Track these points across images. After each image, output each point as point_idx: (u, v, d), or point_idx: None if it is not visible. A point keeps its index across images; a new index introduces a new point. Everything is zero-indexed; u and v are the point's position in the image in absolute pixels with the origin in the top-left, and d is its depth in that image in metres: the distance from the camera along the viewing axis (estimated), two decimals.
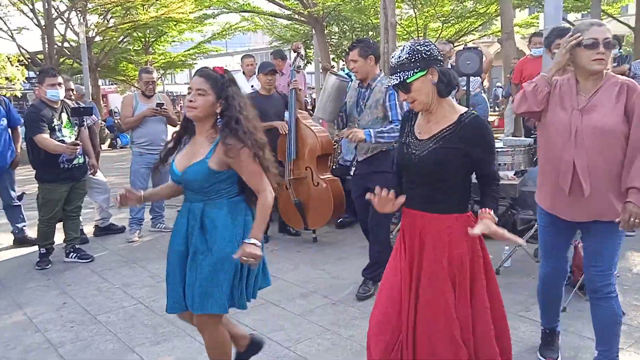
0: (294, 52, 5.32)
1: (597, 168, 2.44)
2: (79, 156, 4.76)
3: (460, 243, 2.14)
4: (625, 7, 18.47)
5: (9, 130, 5.27)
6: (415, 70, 2.09)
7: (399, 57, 2.12)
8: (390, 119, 3.68)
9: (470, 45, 7.29)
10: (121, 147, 16.73)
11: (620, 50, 7.87)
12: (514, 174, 4.47)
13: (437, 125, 2.17)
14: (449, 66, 6.25)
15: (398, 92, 2.20)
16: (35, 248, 5.03)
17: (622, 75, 7.40)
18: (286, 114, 5.22)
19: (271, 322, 3.52)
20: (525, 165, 4.35)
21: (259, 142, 2.33)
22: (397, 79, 2.12)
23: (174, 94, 35.77)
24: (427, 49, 2.11)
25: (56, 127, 4.63)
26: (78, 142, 4.65)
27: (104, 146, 15.38)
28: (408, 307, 2.17)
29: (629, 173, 2.41)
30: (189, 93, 2.34)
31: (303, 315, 3.60)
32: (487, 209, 2.13)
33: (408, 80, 2.10)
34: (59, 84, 4.67)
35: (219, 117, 2.36)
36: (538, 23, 16.99)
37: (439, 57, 2.14)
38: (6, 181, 5.35)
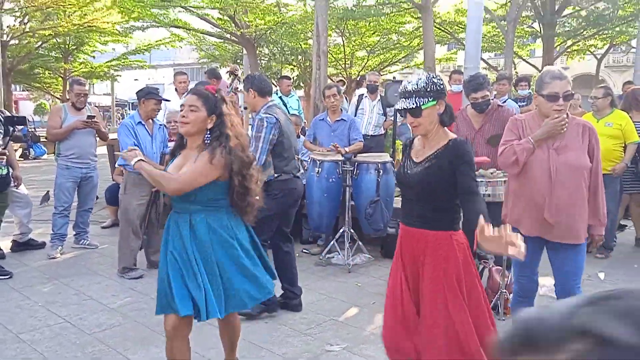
0: (231, 74, 5.44)
1: (568, 198, 2.88)
2: (2, 167, 4.57)
3: (456, 258, 2.38)
4: (533, 50, 20.12)
5: None
6: (430, 99, 2.35)
7: (417, 84, 2.36)
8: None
9: (398, 78, 7.72)
10: (34, 158, 15.83)
11: (529, 90, 8.63)
12: None
13: (430, 149, 2.44)
14: (378, 97, 6.62)
15: (405, 115, 2.45)
16: None
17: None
18: None
19: (204, 340, 3.55)
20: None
21: (244, 160, 2.52)
22: (413, 104, 2.35)
23: (94, 104, 34.43)
24: (441, 82, 2.40)
25: None
26: (5, 151, 4.47)
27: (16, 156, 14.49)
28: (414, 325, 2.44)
29: (591, 208, 2.93)
30: (181, 110, 2.52)
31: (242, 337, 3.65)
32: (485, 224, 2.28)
33: (423, 107, 2.34)
34: None
35: (208, 132, 2.53)
36: (456, 58, 18.15)
37: (445, 92, 2.42)
38: None
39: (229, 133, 2.49)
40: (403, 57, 18.78)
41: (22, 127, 4.81)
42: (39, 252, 5.54)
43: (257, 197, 2.62)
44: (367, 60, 18.11)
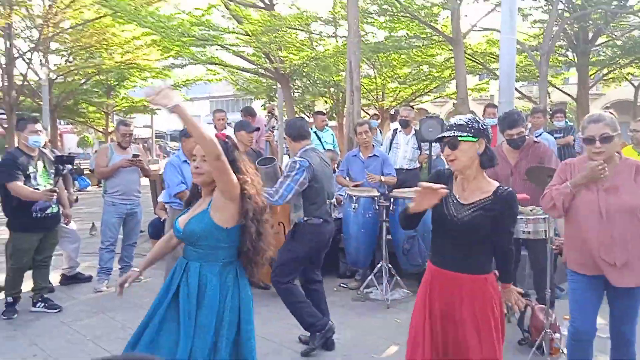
0: (269, 113, 5.63)
1: (621, 238, 2.87)
2: (53, 205, 4.79)
3: (491, 299, 2.45)
4: (567, 77, 19.94)
5: None
6: (469, 134, 2.40)
7: (459, 120, 2.46)
8: None
9: (431, 108, 7.79)
10: (78, 190, 16.40)
11: (566, 120, 8.56)
12: None
13: (475, 194, 2.46)
14: (413, 132, 6.69)
15: (444, 147, 2.47)
16: (1, 296, 4.95)
17: (568, 145, 8.02)
18: None
19: None
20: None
21: (258, 205, 2.47)
22: (451, 134, 2.42)
23: (134, 137, 35.49)
24: (484, 124, 2.46)
25: (31, 174, 4.67)
26: (55, 188, 4.70)
27: None
28: None
29: None
30: (193, 160, 2.51)
31: None
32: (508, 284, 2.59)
33: (460, 138, 2.40)
34: (40, 131, 4.76)
35: None
36: (489, 88, 18.13)
37: (490, 136, 2.47)
38: None
39: (245, 179, 2.46)
40: (435, 88, 18.84)
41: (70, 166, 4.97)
42: (86, 286, 5.75)
43: (271, 247, 2.55)
44: (399, 92, 18.25)
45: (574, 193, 2.98)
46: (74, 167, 16.84)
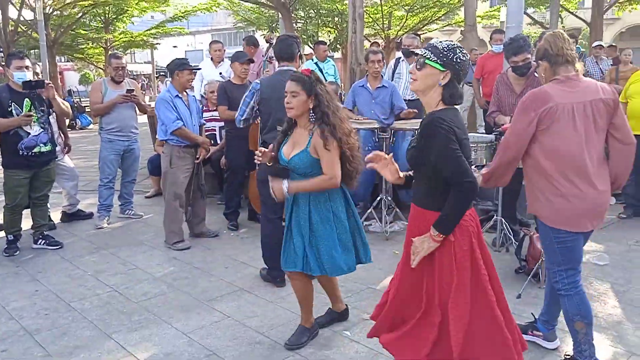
0: (267, 42, 5.41)
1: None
2: (41, 144, 4.69)
3: (449, 243, 2.21)
4: (582, 2, 19.08)
5: None
6: (438, 62, 2.18)
7: (440, 43, 2.23)
8: None
9: (439, 36, 7.48)
10: (80, 129, 16.34)
11: (578, 47, 8.23)
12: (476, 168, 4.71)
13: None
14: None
15: (412, 58, 2.29)
16: (2, 234, 4.99)
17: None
18: None
19: (245, 308, 3.66)
20: (486, 160, 4.58)
21: (345, 131, 2.85)
22: (423, 53, 2.21)
23: (134, 73, 34.98)
24: (461, 59, 2.19)
25: (14, 111, 4.56)
26: (31, 113, 4.59)
27: None
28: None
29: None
30: (285, 96, 2.86)
31: (275, 302, 3.74)
32: (432, 230, 2.19)
33: (426, 61, 2.20)
34: (27, 67, 4.61)
35: (311, 111, 2.87)
36: (499, 15, 17.42)
37: (461, 74, 2.23)
38: None
39: (327, 112, 2.81)
40: (443, 15, 18.15)
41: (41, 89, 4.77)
42: (87, 223, 5.78)
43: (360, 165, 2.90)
44: (406, 20, 17.61)
45: None
46: (75, 104, 16.73)
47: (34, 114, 4.62)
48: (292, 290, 3.91)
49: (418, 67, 2.23)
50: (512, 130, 2.72)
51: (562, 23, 15.72)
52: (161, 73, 27.15)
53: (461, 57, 2.21)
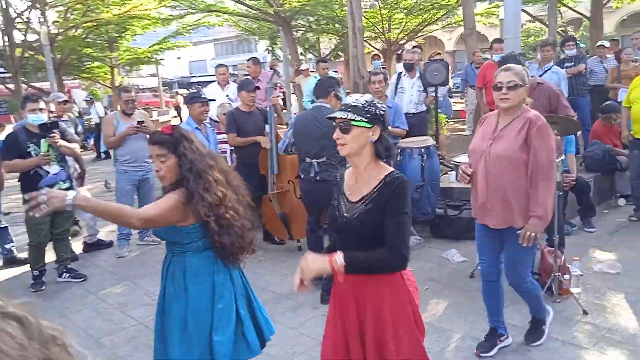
0: (271, 69, 5.55)
1: (502, 187, 3.03)
2: (60, 182, 4.85)
3: (404, 294, 2.19)
4: None
5: None
6: (363, 119, 2.11)
7: (357, 100, 2.15)
8: None
9: (436, 57, 7.59)
10: (91, 148, 16.54)
11: (578, 42, 8.26)
12: None
13: (366, 187, 2.18)
14: (417, 74, 6.56)
15: (335, 129, 2.16)
16: (26, 267, 5.17)
17: (580, 74, 7.90)
18: (267, 128, 5.45)
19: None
20: None
21: (214, 198, 2.37)
22: (343, 115, 2.13)
23: (139, 87, 35.30)
24: (382, 110, 2.17)
25: (32, 152, 4.73)
26: (49, 153, 4.76)
27: None
28: None
29: (532, 199, 2.98)
30: (153, 161, 2.44)
31: (296, 329, 3.87)
32: (337, 254, 2.05)
33: (352, 122, 2.11)
34: (40, 109, 4.77)
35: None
36: (498, 13, 17.46)
37: (387, 124, 2.20)
38: None
39: (188, 176, 2.35)
40: (443, 16, 18.19)
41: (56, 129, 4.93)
42: (108, 252, 5.95)
43: (245, 230, 2.47)
44: (406, 23, 17.67)
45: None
46: (86, 125, 16.93)
47: (52, 154, 4.79)
48: (313, 315, 4.07)
49: (343, 130, 2.14)
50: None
51: (561, 18, 15.73)
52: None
53: (382, 109, 2.18)
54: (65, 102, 5.90)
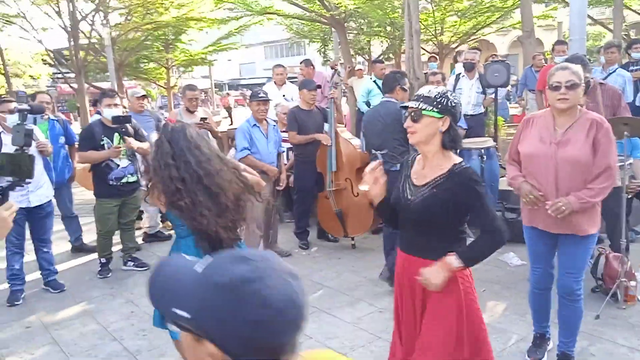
0: (332, 69, 5.63)
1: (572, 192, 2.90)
2: (129, 175, 5.08)
3: (455, 290, 2.27)
4: None
5: (66, 148, 5.65)
6: (434, 109, 2.20)
7: (429, 91, 2.25)
8: None
9: (499, 57, 7.49)
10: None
11: None
12: None
13: (432, 173, 2.28)
14: (477, 75, 6.50)
15: (408, 116, 2.27)
16: (93, 255, 5.42)
17: None
18: (326, 126, 5.53)
19: (325, 329, 3.85)
20: None
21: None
22: (415, 105, 2.22)
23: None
24: (455, 102, 2.24)
25: (105, 145, 4.96)
26: (119, 146, 4.97)
27: None
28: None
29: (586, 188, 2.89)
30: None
31: (354, 323, 3.92)
32: (449, 257, 2.19)
33: (423, 112, 2.21)
34: (115, 105, 5.00)
35: None
36: (556, 15, 17.02)
37: (458, 116, 2.29)
38: (64, 195, 5.74)
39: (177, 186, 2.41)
40: (498, 18, 17.87)
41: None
42: (166, 244, 6.14)
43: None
44: (459, 26, 17.46)
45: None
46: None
47: (122, 147, 5.01)
48: (370, 310, 4.12)
49: (414, 119, 2.24)
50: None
51: (624, 22, 15.19)
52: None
53: (454, 101, 2.25)
54: (144, 97, 6.12)
